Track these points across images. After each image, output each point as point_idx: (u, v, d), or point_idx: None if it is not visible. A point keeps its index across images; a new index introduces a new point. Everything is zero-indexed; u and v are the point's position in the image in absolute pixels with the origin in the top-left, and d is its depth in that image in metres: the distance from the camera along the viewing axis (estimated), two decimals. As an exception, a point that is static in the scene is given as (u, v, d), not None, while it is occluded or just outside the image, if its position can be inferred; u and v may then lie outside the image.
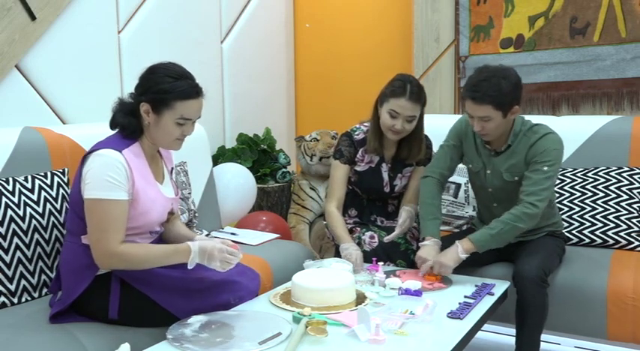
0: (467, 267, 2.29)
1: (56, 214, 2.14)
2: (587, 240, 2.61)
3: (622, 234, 2.56)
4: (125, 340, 1.65)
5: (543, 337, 2.21)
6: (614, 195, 2.62)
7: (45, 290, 2.08)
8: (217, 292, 1.90)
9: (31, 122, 2.47)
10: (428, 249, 2.27)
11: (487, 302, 2.02)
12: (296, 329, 1.68)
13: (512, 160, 2.31)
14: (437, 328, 1.79)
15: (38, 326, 1.82)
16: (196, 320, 1.78)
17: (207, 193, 3.02)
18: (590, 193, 2.67)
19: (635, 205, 2.59)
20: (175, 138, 1.90)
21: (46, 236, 2.10)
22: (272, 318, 1.81)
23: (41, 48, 2.64)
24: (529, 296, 2.13)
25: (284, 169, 3.79)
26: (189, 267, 1.84)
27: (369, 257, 2.35)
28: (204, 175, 3.05)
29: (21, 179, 2.12)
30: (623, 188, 2.63)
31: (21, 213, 2.04)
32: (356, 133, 2.58)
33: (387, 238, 2.43)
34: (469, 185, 2.77)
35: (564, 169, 2.75)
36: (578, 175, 2.73)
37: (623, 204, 2.60)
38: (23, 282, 2.03)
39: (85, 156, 1.84)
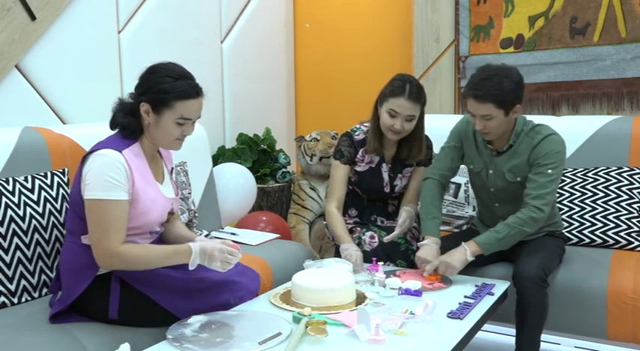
0: (467, 267, 2.29)
1: (56, 214, 2.14)
2: (587, 240, 2.61)
3: (622, 234, 2.56)
4: (125, 340, 1.65)
5: (543, 337, 2.21)
6: (614, 195, 2.62)
7: (45, 290, 2.08)
8: (217, 292, 1.90)
9: (31, 122, 2.47)
10: (427, 249, 2.27)
11: (487, 302, 2.02)
12: (296, 329, 1.68)
13: (514, 160, 2.31)
14: (437, 328, 1.79)
15: (38, 326, 1.82)
16: (196, 320, 1.78)
17: (207, 193, 3.02)
18: (590, 193, 2.67)
19: (635, 205, 2.59)
20: (175, 138, 1.90)
21: (46, 236, 2.10)
22: (272, 318, 1.81)
23: (41, 48, 2.64)
24: (529, 296, 2.13)
25: (284, 169, 3.79)
26: (191, 268, 1.84)
27: (369, 257, 2.35)
28: (204, 175, 3.05)
29: (21, 179, 2.12)
30: (623, 188, 2.63)
31: (21, 213, 2.04)
32: (356, 133, 2.58)
33: (386, 238, 2.43)
34: (469, 185, 2.78)
35: (564, 169, 2.75)
36: (578, 175, 2.73)
37: (623, 204, 2.60)
38: (23, 282, 2.03)
39: (85, 156, 1.84)
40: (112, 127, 1.91)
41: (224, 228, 3.07)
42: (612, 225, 2.58)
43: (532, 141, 2.28)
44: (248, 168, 3.46)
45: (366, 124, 2.58)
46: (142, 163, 1.89)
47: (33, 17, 2.57)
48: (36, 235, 2.06)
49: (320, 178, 3.72)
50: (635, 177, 2.64)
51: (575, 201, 2.68)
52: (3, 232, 1.98)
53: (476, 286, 2.15)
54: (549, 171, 2.22)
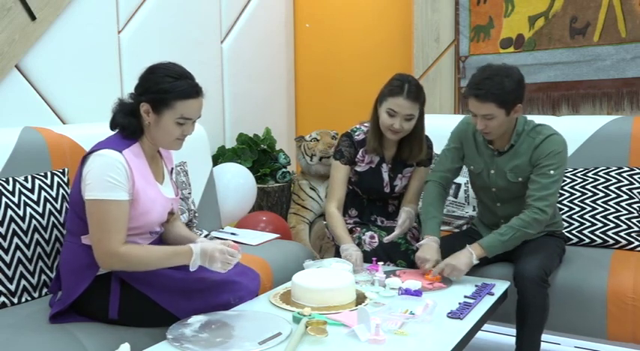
0: (467, 267, 2.29)
1: (56, 214, 2.14)
2: (587, 240, 2.61)
3: (622, 234, 2.56)
4: (125, 340, 1.65)
5: (543, 337, 2.21)
6: (614, 195, 2.62)
7: (45, 290, 2.08)
8: (217, 292, 1.90)
9: (31, 122, 2.47)
10: (426, 247, 2.28)
11: (487, 302, 2.02)
12: (296, 329, 1.68)
13: (515, 160, 2.31)
14: (437, 328, 1.79)
15: (38, 326, 1.82)
16: (196, 320, 1.78)
17: (207, 193, 3.02)
18: (590, 193, 2.67)
19: (635, 205, 2.59)
20: (175, 138, 1.90)
21: (46, 236, 2.10)
22: (272, 318, 1.81)
23: (41, 48, 2.64)
24: (530, 296, 2.13)
25: (284, 169, 3.79)
26: (192, 269, 1.83)
27: (369, 257, 2.35)
28: (204, 175, 3.05)
29: (21, 179, 2.12)
30: (623, 188, 2.63)
31: (21, 213, 2.04)
32: (356, 133, 2.58)
33: (386, 239, 2.43)
34: (469, 185, 2.78)
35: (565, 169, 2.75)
36: (578, 175, 2.73)
37: (623, 204, 2.60)
38: (23, 282, 2.03)
39: (85, 156, 1.83)
40: (112, 127, 1.91)
41: (224, 228, 3.07)
42: (612, 225, 2.58)
43: (533, 141, 2.28)
44: (248, 168, 3.46)
45: (366, 125, 2.58)
46: (142, 163, 1.89)
47: (33, 17, 2.57)
48: (36, 235, 2.06)
49: (320, 178, 3.72)
50: (635, 177, 2.64)
51: (575, 201, 2.68)
52: (3, 232, 1.98)
53: (476, 286, 2.14)
54: (551, 172, 2.22)
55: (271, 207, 3.67)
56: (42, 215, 2.09)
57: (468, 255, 2.20)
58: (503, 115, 2.20)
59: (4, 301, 1.97)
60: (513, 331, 2.24)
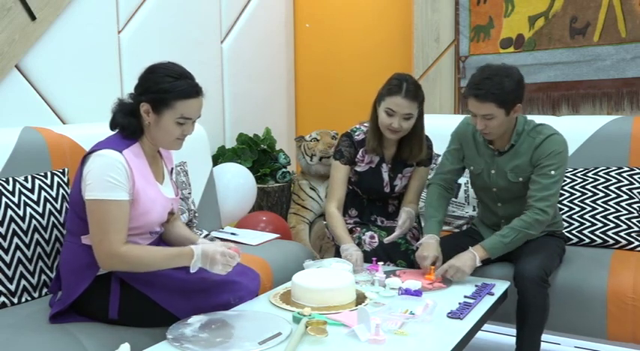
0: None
1: (56, 214, 2.14)
2: (587, 240, 2.61)
3: (622, 234, 2.56)
4: (125, 340, 1.64)
5: (543, 337, 2.21)
6: (614, 195, 2.62)
7: (45, 290, 2.08)
8: (217, 292, 1.90)
9: (31, 122, 2.47)
10: (425, 246, 2.29)
11: (487, 302, 2.02)
12: (296, 329, 1.68)
13: (516, 160, 2.31)
14: (437, 328, 1.79)
15: (38, 326, 1.82)
16: (196, 320, 1.78)
17: (207, 193, 3.02)
18: (590, 193, 2.67)
19: (635, 205, 2.59)
20: (176, 137, 1.90)
21: (46, 236, 2.10)
22: (272, 318, 1.81)
23: (41, 48, 2.64)
24: (530, 296, 2.13)
25: (284, 169, 3.79)
26: (192, 271, 1.83)
27: (369, 257, 2.35)
28: (204, 175, 3.05)
29: (21, 179, 2.12)
30: (623, 188, 2.63)
31: (21, 213, 2.04)
32: (356, 133, 2.58)
33: (387, 239, 2.43)
34: (469, 185, 2.78)
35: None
36: (578, 175, 2.73)
37: (623, 204, 2.60)
38: (23, 282, 2.03)
39: (85, 156, 1.83)
40: (112, 127, 1.91)
41: (224, 228, 3.07)
42: (612, 225, 2.58)
43: (534, 141, 2.28)
44: (248, 168, 3.46)
45: (365, 125, 2.58)
46: (143, 163, 1.89)
47: (33, 17, 2.57)
48: (36, 235, 2.06)
49: (320, 178, 3.72)
50: (635, 177, 2.64)
51: (575, 201, 2.68)
52: (3, 232, 1.98)
53: (476, 286, 2.14)
54: (552, 172, 2.22)
55: (271, 207, 3.67)
56: (42, 215, 2.09)
57: (472, 257, 2.20)
58: (503, 115, 2.20)
59: (4, 301, 1.97)
60: (513, 331, 2.24)
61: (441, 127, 2.68)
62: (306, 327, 1.66)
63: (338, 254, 2.46)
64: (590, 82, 3.27)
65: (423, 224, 2.62)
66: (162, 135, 1.88)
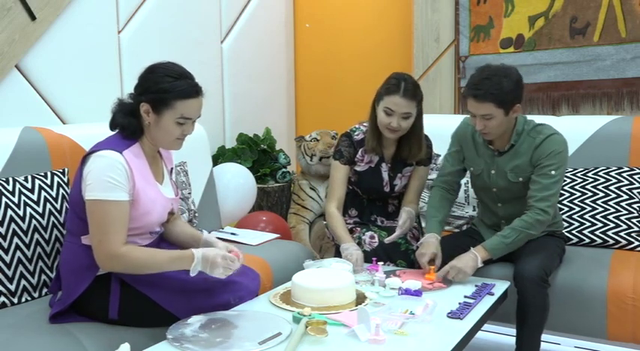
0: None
1: (56, 214, 2.14)
2: (587, 240, 2.61)
3: (622, 234, 2.56)
4: (125, 340, 1.64)
5: (543, 337, 2.21)
6: (614, 195, 2.62)
7: (45, 290, 2.08)
8: (217, 292, 1.90)
9: (31, 122, 2.47)
10: (425, 244, 2.29)
11: (487, 302, 2.02)
12: (296, 329, 1.68)
13: (516, 160, 2.31)
14: (437, 328, 1.79)
15: (38, 326, 1.82)
16: (196, 320, 1.78)
17: (207, 193, 3.02)
18: (590, 193, 2.67)
19: (635, 205, 2.59)
20: (176, 137, 1.90)
21: (46, 236, 2.10)
22: (272, 318, 1.81)
23: (41, 48, 2.64)
24: (530, 296, 2.13)
25: (284, 169, 3.79)
26: (192, 274, 1.82)
27: (369, 257, 2.35)
28: (204, 175, 3.05)
29: (21, 179, 2.12)
30: (623, 188, 2.63)
31: (21, 213, 2.04)
32: (355, 133, 2.58)
33: (387, 240, 2.43)
34: (469, 185, 2.78)
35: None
36: (578, 175, 2.73)
37: (623, 204, 2.60)
38: (23, 282, 2.03)
39: (85, 156, 1.83)
40: (112, 127, 1.91)
41: (224, 228, 3.07)
42: (612, 225, 2.58)
43: (534, 141, 2.28)
44: (248, 168, 3.46)
45: (365, 124, 2.58)
46: (143, 163, 1.89)
47: (33, 17, 2.57)
48: (36, 235, 2.06)
49: (320, 178, 3.72)
50: (635, 177, 2.64)
51: (575, 201, 2.68)
52: (3, 232, 1.98)
53: (476, 286, 2.14)
54: (552, 172, 2.22)
55: (271, 207, 3.67)
56: (42, 215, 2.09)
57: (473, 258, 2.20)
58: (502, 115, 2.20)
59: (4, 301, 1.97)
60: (513, 331, 2.24)
61: (440, 127, 2.68)
62: (306, 327, 1.66)
63: (338, 254, 2.46)
64: (590, 82, 3.27)
65: (423, 224, 2.63)
66: (162, 135, 1.88)
